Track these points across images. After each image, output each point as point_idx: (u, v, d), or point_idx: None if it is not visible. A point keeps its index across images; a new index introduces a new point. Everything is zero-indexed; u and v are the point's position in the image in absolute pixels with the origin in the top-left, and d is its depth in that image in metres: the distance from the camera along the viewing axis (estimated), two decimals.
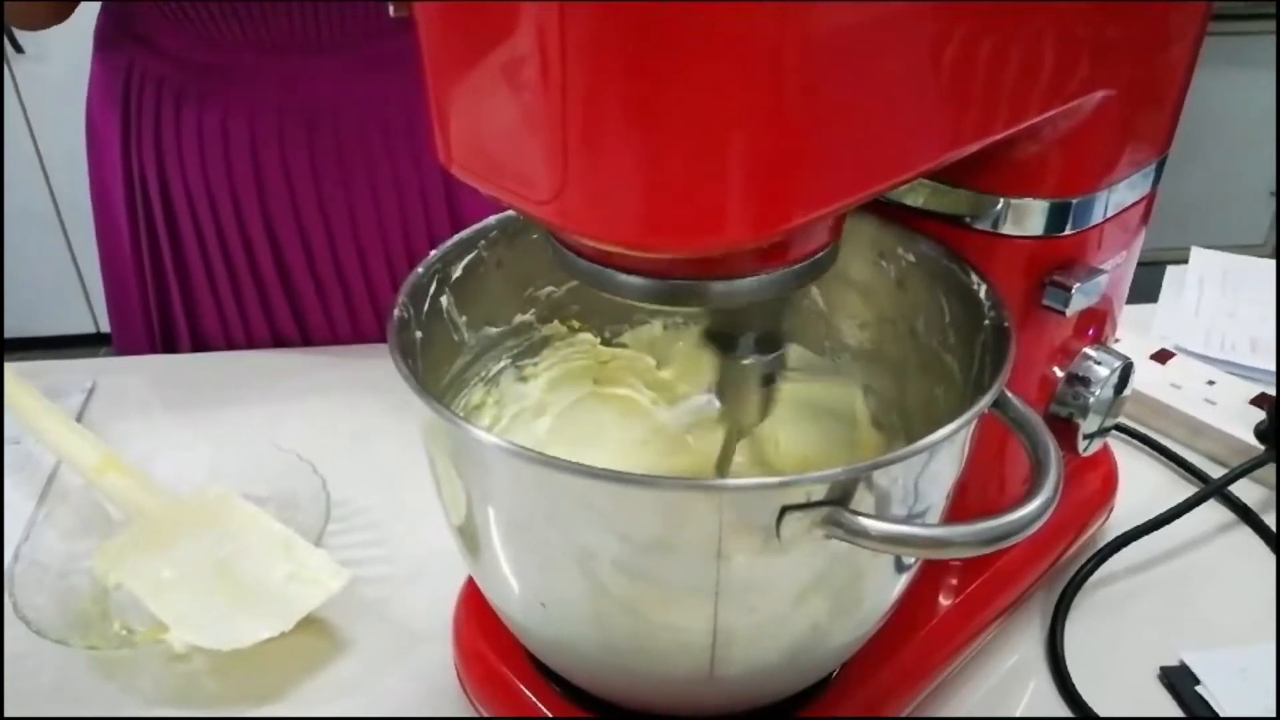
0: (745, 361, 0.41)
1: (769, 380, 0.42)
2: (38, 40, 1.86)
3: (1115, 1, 0.36)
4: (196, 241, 0.74)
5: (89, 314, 2.24)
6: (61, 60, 1.89)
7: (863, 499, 0.31)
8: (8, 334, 2.15)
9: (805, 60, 0.26)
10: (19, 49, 1.87)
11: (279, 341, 0.79)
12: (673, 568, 0.33)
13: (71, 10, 0.63)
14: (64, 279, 2.17)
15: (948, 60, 0.30)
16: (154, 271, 0.75)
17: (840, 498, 0.30)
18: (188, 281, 0.76)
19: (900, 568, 0.37)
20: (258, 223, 0.73)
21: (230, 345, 0.79)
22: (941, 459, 0.34)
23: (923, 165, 0.33)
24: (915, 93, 0.30)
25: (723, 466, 0.45)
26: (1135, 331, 0.75)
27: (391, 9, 0.31)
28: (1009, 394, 0.35)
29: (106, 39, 0.70)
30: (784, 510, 0.30)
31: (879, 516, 0.31)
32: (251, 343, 0.79)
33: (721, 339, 0.41)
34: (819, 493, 0.30)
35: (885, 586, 0.37)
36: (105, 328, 2.24)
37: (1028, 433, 0.34)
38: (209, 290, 0.76)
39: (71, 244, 2.13)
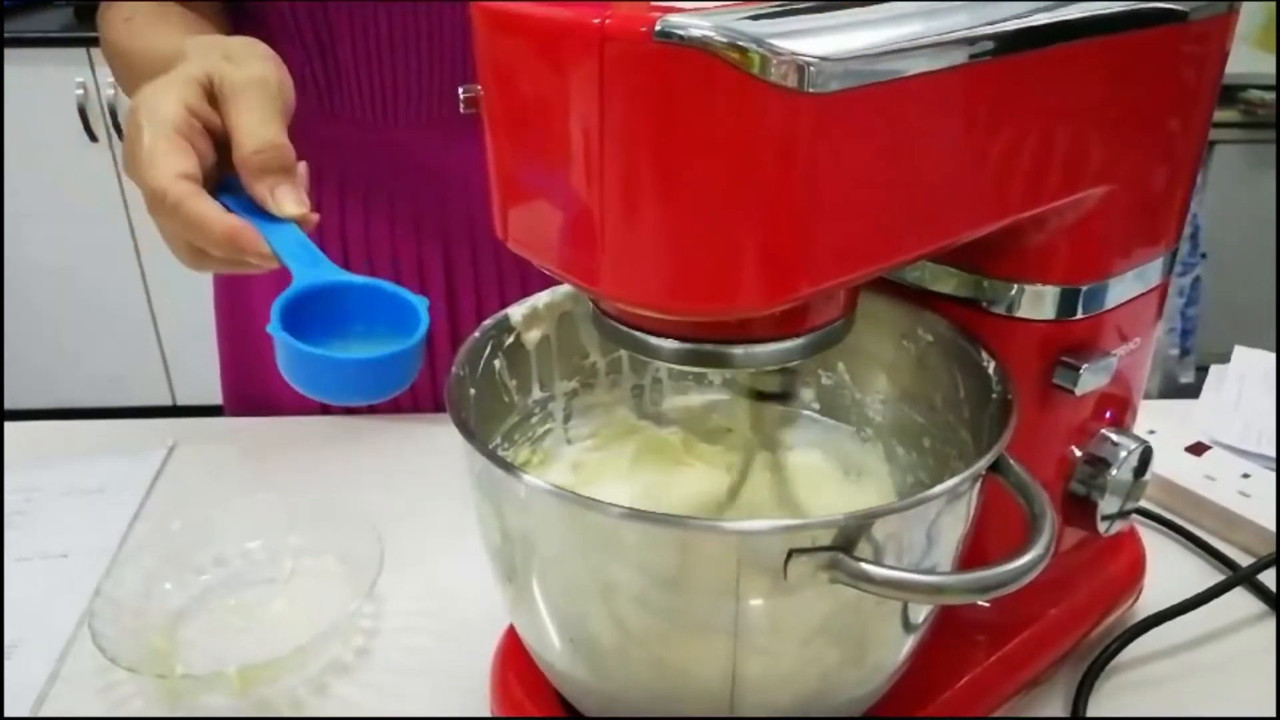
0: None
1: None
2: None
3: (1111, 111, 0.40)
4: None
5: (167, 388, 2.34)
6: None
7: (868, 549, 0.34)
8: (88, 404, 2.27)
9: (809, 157, 0.30)
10: (122, 135, 2.01)
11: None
12: (693, 606, 0.36)
13: None
14: (147, 354, 2.29)
15: (946, 154, 0.34)
16: None
17: (844, 544, 0.33)
18: None
19: (908, 624, 0.39)
20: None
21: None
22: (944, 515, 0.36)
23: (920, 249, 0.36)
24: (914, 184, 0.34)
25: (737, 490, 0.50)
26: (1175, 423, 0.76)
27: (462, 106, 0.36)
28: (1010, 460, 0.38)
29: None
30: (791, 553, 0.33)
31: (880, 563, 0.33)
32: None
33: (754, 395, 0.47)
34: (824, 538, 0.33)
35: (893, 640, 0.39)
36: (182, 400, 2.35)
37: (1024, 493, 0.36)
38: None
39: (157, 321, 2.26)
